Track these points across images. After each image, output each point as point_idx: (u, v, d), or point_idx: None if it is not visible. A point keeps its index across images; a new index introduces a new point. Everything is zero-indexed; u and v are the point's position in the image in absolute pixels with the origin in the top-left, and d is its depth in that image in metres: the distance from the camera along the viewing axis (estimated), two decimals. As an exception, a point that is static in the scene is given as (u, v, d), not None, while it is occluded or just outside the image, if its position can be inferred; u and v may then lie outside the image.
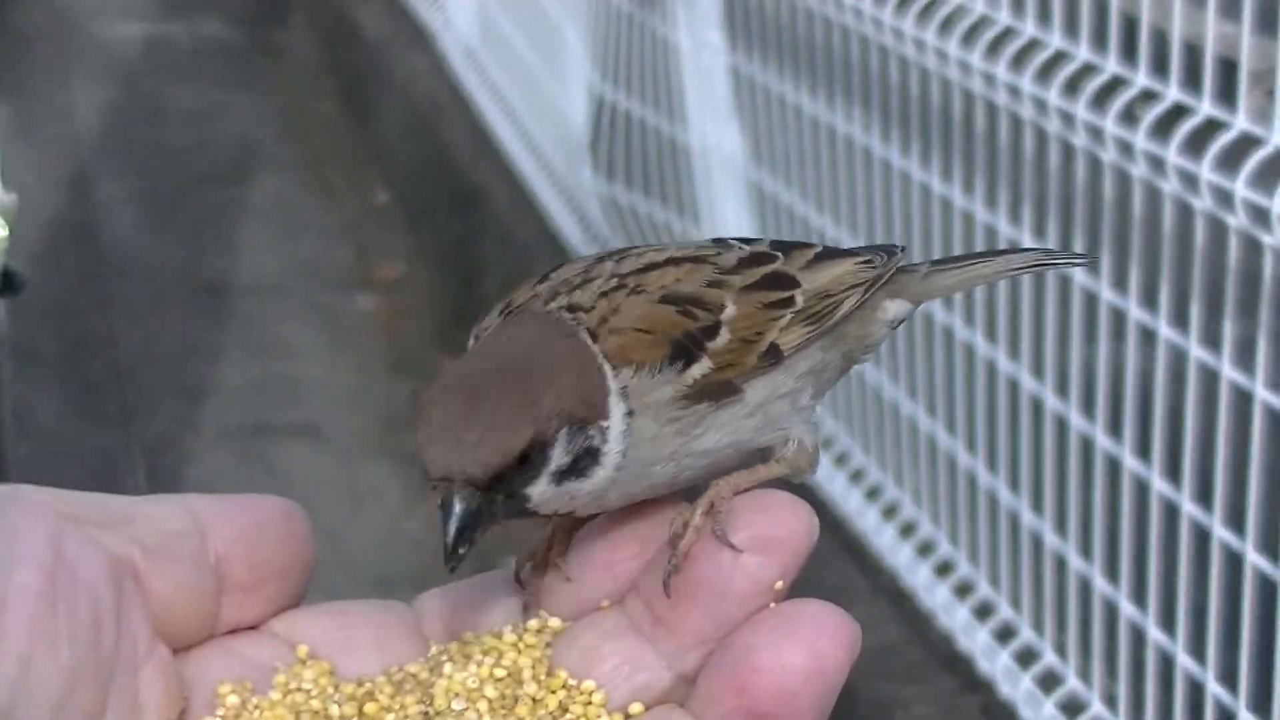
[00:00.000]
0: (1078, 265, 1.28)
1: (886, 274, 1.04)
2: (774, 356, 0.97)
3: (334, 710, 0.88)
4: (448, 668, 0.90)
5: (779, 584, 0.86)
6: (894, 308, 1.06)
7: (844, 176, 2.98)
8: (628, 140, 3.75)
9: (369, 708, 0.89)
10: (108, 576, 0.82)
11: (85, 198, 5.50)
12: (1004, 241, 2.58)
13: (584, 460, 0.90)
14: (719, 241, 1.02)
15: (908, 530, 2.95)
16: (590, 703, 0.89)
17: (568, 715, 0.89)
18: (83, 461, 4.04)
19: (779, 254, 1.01)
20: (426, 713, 0.89)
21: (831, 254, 1.03)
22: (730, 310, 0.96)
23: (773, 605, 0.86)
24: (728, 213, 3.34)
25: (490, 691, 0.89)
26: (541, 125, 4.60)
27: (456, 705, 0.89)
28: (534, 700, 0.89)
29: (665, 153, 3.56)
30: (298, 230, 5.44)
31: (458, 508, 0.88)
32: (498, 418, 0.88)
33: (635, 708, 0.88)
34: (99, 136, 5.98)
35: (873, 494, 3.05)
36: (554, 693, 0.89)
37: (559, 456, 0.90)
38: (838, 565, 2.98)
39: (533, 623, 0.93)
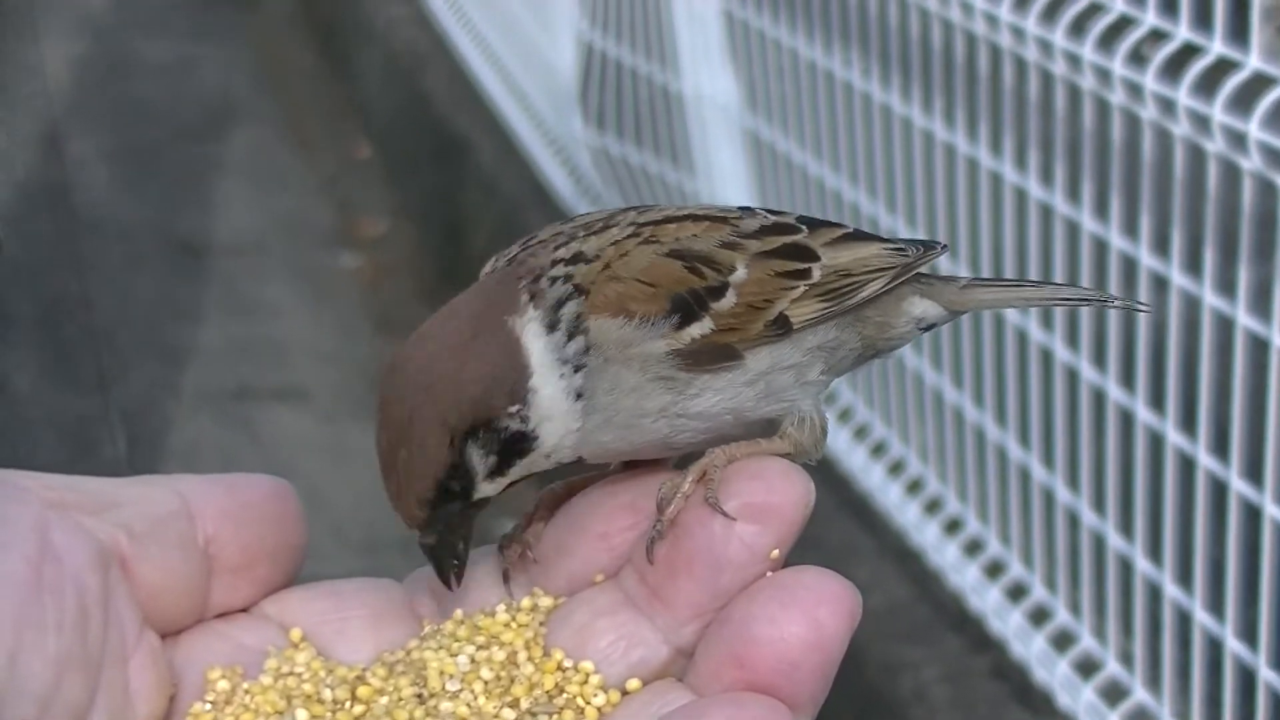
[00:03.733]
0: (1135, 309, 1.26)
1: (916, 264, 1.03)
2: (782, 327, 0.96)
3: (326, 694, 0.87)
4: (441, 648, 0.90)
5: (775, 553, 0.85)
6: (923, 307, 1.05)
7: (843, 123, 2.91)
8: (619, 89, 3.67)
9: (362, 691, 0.88)
10: (94, 564, 0.81)
11: (57, 156, 5.41)
12: (1009, 188, 2.52)
13: (515, 445, 0.93)
14: (745, 209, 1.01)
15: (914, 487, 2.89)
16: (586, 682, 0.88)
17: (564, 695, 0.88)
18: (60, 429, 3.96)
19: (803, 227, 1.01)
20: (420, 695, 0.88)
21: (861, 236, 1.03)
22: (740, 273, 0.96)
23: (769, 574, 0.85)
24: (723, 162, 3.27)
25: (485, 673, 0.88)
26: (528, 73, 4.52)
27: (451, 687, 0.88)
28: (530, 681, 0.88)
29: (658, 101, 3.48)
30: (277, 186, 5.37)
31: (426, 546, 0.93)
32: (402, 471, 0.92)
33: (633, 684, 0.87)
34: (70, 93, 5.89)
35: (878, 450, 2.99)
36: (549, 673, 0.88)
37: (480, 463, 0.93)
38: (841, 524, 2.92)
39: (525, 601, 0.92)
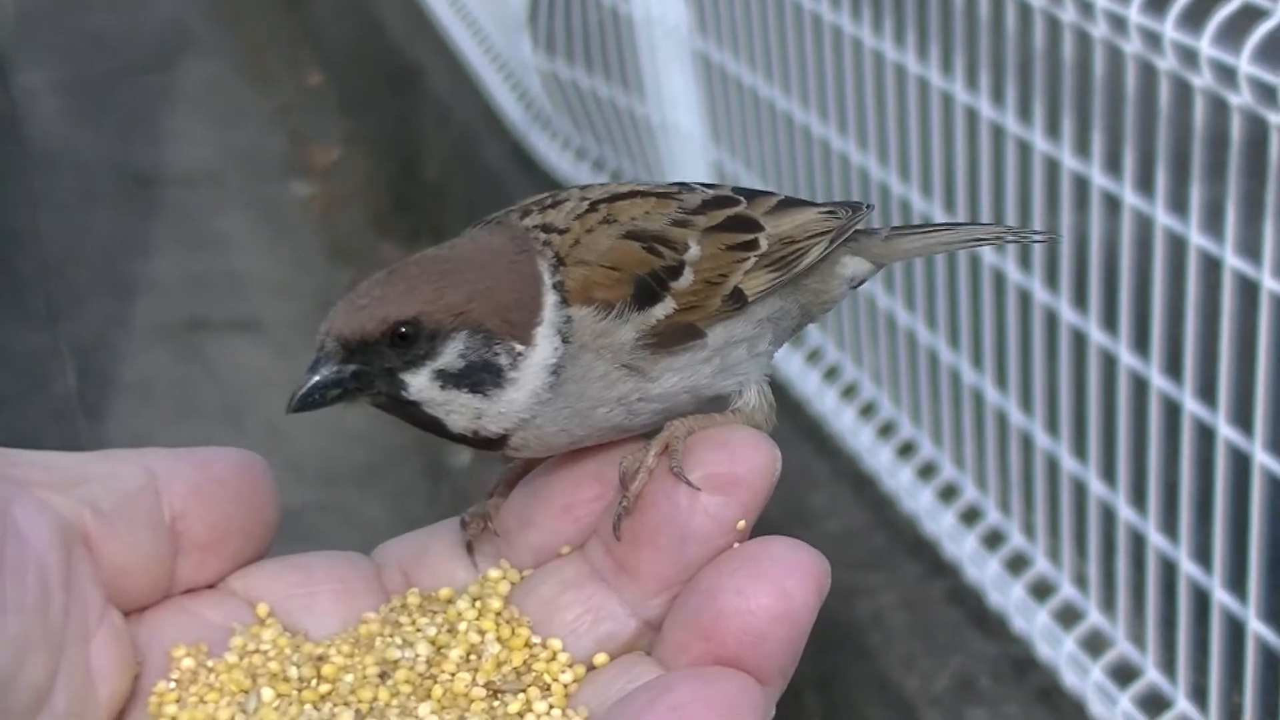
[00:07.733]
0: (1038, 241, 1.27)
1: (850, 226, 1.04)
2: (737, 301, 0.96)
3: (292, 672, 0.87)
4: (407, 624, 0.89)
5: (741, 523, 0.84)
6: (854, 265, 1.06)
7: (794, 45, 2.88)
8: (568, 12, 3.63)
9: (327, 669, 0.87)
10: (57, 542, 0.80)
11: (5, 87, 5.35)
12: (960, 109, 2.49)
13: (481, 374, 0.90)
14: (682, 184, 1.01)
15: (868, 411, 2.88)
16: (554, 659, 0.87)
17: (532, 672, 0.87)
18: (11, 363, 3.92)
19: (741, 199, 1.01)
20: (385, 672, 0.87)
21: (794, 202, 1.03)
22: (694, 250, 0.96)
23: (736, 546, 0.84)
24: (674, 85, 3.24)
25: (452, 652, 0.88)
26: (478, -1, 4.46)
27: (419, 667, 0.87)
28: (497, 659, 0.87)
29: (608, 24, 3.45)
30: (230, 117, 5.31)
31: (320, 366, 0.90)
32: (395, 292, 0.89)
33: (600, 658, 0.87)
34: (18, 22, 5.81)
35: (831, 374, 2.98)
36: (517, 650, 0.88)
37: (449, 356, 0.89)
38: (797, 449, 2.91)
39: (493, 572, 0.91)
